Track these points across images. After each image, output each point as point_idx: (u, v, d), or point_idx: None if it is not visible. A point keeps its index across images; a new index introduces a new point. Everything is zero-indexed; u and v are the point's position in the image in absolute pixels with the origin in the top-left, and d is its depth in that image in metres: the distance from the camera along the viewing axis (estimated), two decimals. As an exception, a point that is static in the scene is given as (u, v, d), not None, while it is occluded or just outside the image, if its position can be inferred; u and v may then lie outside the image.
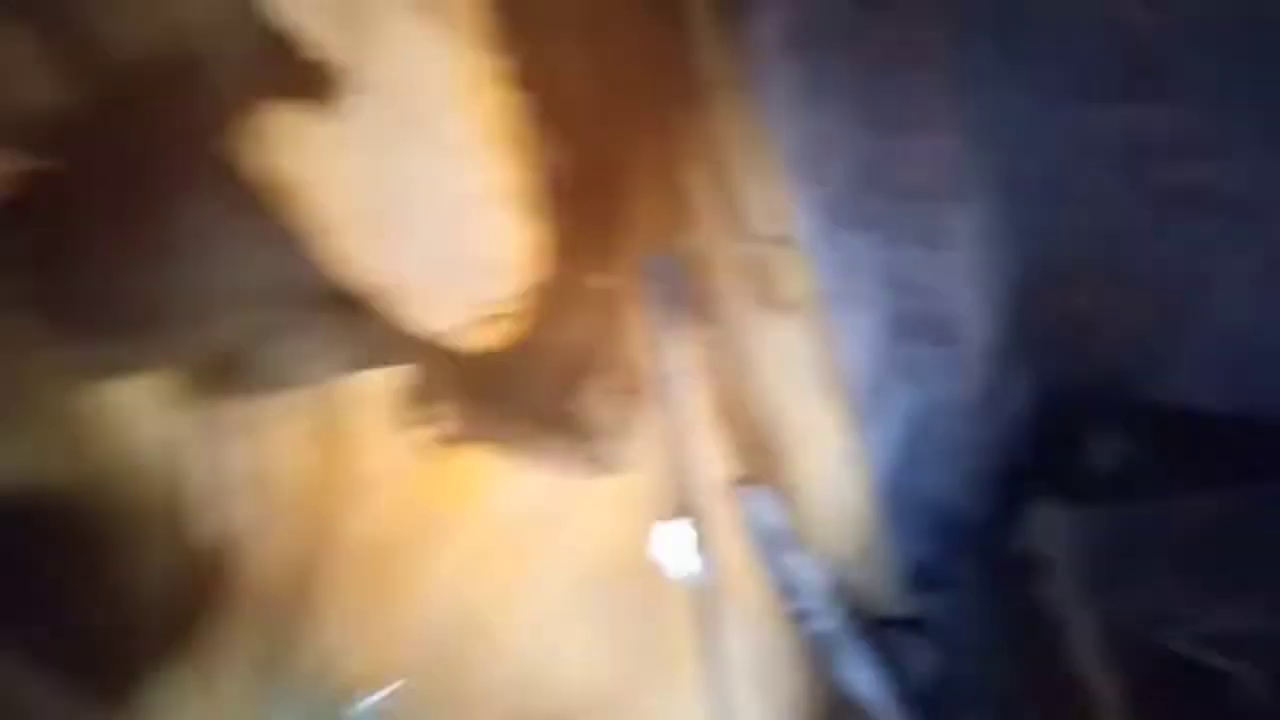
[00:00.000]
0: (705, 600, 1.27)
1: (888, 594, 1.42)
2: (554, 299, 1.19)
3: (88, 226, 0.94)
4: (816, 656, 1.34)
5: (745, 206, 1.38)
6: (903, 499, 1.45)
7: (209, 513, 1.02)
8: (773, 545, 1.36)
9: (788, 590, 1.36)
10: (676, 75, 1.34)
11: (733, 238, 1.38)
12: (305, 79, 1.06)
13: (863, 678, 1.34)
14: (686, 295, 1.37)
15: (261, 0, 1.01)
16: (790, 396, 1.40)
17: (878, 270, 1.48)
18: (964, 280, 1.43)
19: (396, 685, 1.07)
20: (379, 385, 1.10)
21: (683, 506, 1.28)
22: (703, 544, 1.28)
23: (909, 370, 1.49)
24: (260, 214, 1.03)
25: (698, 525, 1.28)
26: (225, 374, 1.01)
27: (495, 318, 1.14)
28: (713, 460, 1.37)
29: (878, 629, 1.38)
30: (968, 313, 1.44)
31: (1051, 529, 1.38)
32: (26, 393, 0.92)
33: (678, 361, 1.33)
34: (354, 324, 1.08)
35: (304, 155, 1.05)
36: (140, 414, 0.98)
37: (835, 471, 1.42)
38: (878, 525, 1.42)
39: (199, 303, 1.01)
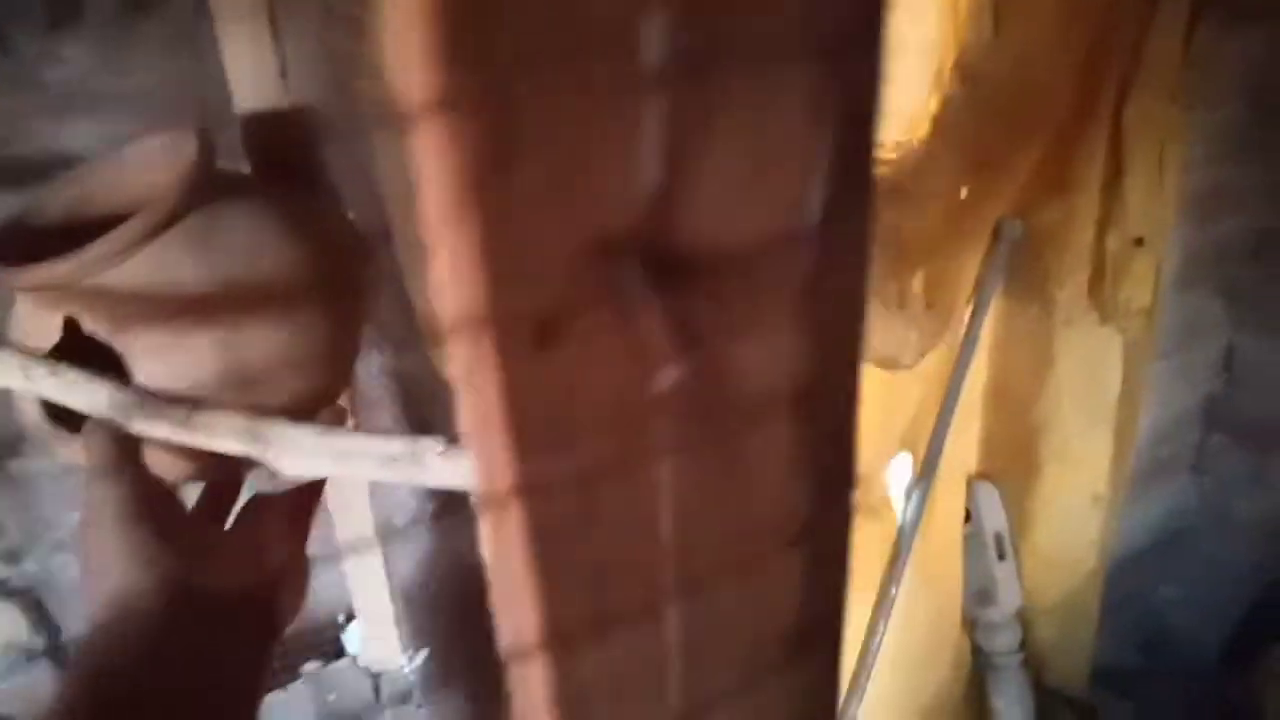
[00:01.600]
0: (898, 539, 1.12)
1: (1072, 668, 1.23)
2: (930, 173, 1.09)
3: None
4: (979, 673, 1.16)
5: (1125, 199, 1.25)
6: (1131, 591, 1.27)
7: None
8: (985, 547, 1.20)
9: (981, 597, 1.19)
10: (1129, 46, 1.23)
11: (1095, 226, 1.25)
12: None
13: (1012, 714, 1.16)
14: (1014, 266, 1.25)
15: None
16: (1073, 411, 1.24)
17: (1217, 346, 1.31)
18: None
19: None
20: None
21: (915, 445, 1.14)
22: (917, 496, 1.13)
23: (1198, 459, 1.31)
24: None
25: (923, 479, 1.13)
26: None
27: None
28: (961, 434, 1.22)
29: (1048, 697, 1.19)
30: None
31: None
32: None
33: (977, 328, 1.20)
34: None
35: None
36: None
37: (1079, 511, 1.24)
38: (1095, 599, 1.24)
39: None
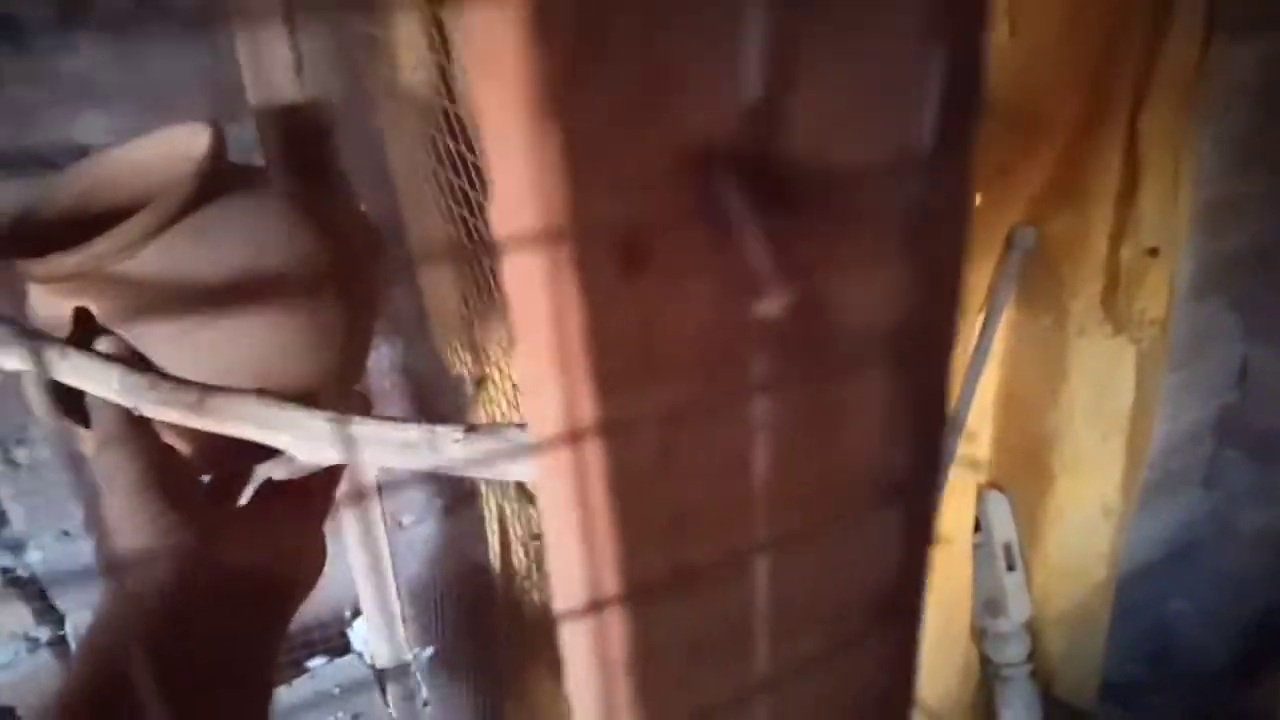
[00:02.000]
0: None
1: (1081, 679, 1.21)
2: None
3: None
4: (987, 683, 1.15)
5: (1139, 210, 1.24)
6: (1141, 603, 1.25)
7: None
8: (995, 557, 1.19)
9: (990, 607, 1.18)
10: (1143, 54, 1.23)
11: (1109, 236, 1.24)
12: None
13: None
14: (1027, 276, 1.24)
15: None
16: (1085, 422, 1.23)
17: (1230, 357, 1.30)
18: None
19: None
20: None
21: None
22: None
23: (1210, 471, 1.30)
24: None
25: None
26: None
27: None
28: (972, 444, 1.22)
29: (1057, 709, 1.18)
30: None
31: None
32: None
33: (989, 337, 1.19)
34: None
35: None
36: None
37: (1090, 523, 1.23)
38: (1105, 611, 1.23)
39: None
